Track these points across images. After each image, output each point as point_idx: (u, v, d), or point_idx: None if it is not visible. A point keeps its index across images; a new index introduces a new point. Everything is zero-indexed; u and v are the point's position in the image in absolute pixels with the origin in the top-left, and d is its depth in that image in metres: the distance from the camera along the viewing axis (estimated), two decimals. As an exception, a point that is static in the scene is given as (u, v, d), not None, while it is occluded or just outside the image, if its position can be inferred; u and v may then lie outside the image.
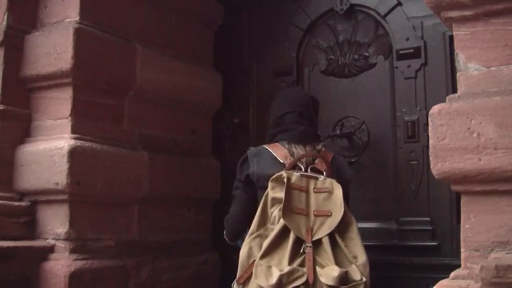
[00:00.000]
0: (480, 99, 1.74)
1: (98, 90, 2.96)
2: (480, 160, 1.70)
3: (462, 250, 1.77)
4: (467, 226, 1.76)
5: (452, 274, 1.76)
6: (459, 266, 1.79)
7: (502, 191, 1.70)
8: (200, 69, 3.52)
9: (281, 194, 2.15)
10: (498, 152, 1.67)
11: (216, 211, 3.47)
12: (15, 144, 2.90)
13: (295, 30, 3.44)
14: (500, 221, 1.70)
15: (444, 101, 1.83)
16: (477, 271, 1.54)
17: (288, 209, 2.12)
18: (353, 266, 2.09)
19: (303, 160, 2.32)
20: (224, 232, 2.58)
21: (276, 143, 2.42)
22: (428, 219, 2.88)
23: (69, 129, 2.82)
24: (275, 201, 2.18)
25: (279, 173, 2.22)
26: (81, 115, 2.87)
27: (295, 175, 2.22)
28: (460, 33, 1.86)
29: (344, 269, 2.04)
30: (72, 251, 2.72)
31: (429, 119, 1.81)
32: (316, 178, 2.26)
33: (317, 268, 2.03)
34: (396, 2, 3.11)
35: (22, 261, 2.65)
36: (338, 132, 3.18)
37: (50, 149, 2.77)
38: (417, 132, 2.95)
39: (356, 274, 2.05)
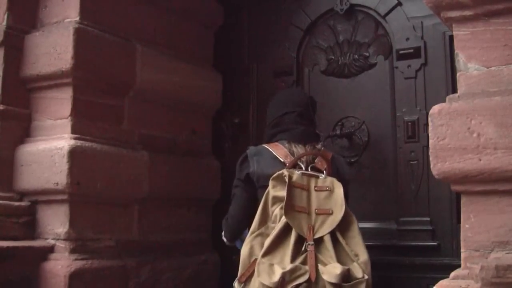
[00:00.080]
0: (480, 99, 1.74)
1: (98, 90, 2.96)
2: (480, 160, 1.70)
3: (462, 250, 1.77)
4: (467, 226, 1.76)
5: (452, 274, 1.76)
6: (459, 266, 1.79)
7: (502, 191, 1.70)
8: (200, 69, 3.52)
9: (282, 192, 2.16)
10: (498, 152, 1.67)
11: (216, 211, 3.47)
12: (15, 144, 2.90)
13: (295, 30, 3.44)
14: (500, 221, 1.70)
15: (444, 101, 1.83)
16: (477, 271, 1.54)
17: (289, 207, 2.13)
18: (355, 264, 2.09)
19: (303, 159, 2.33)
20: (223, 233, 2.58)
21: (276, 143, 2.43)
22: (428, 219, 2.88)
23: (69, 129, 2.82)
24: (276, 199, 2.19)
25: (280, 172, 2.22)
26: (81, 115, 2.87)
27: (296, 174, 2.23)
28: (460, 33, 1.86)
29: (347, 267, 2.05)
30: (72, 251, 2.72)
31: (429, 119, 1.81)
32: (317, 177, 2.27)
33: (319, 266, 2.04)
34: (396, 2, 3.11)
35: (22, 261, 2.65)
36: (338, 132, 3.18)
37: (50, 149, 2.76)
38: (417, 132, 2.95)
39: (358, 271, 2.06)
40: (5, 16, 2.93)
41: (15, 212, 2.78)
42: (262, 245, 2.12)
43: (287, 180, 2.17)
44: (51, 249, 2.74)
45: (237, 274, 2.16)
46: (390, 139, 3.05)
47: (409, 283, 2.85)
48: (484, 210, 1.73)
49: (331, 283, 1.99)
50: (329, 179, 2.27)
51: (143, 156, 3.09)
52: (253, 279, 2.07)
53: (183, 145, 3.41)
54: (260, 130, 3.37)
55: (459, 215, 1.81)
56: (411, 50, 3.00)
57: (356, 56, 3.22)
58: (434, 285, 1.74)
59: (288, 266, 2.01)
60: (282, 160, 2.33)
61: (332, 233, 2.14)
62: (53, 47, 2.85)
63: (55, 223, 2.77)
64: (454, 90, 2.63)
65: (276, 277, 1.98)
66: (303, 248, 2.09)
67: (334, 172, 2.36)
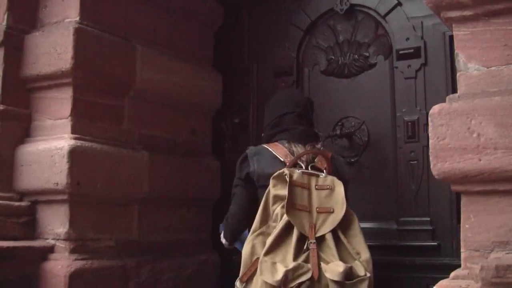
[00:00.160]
0: (480, 99, 1.74)
1: (98, 90, 2.96)
2: (480, 160, 1.70)
3: (462, 250, 1.77)
4: (467, 226, 1.76)
5: (452, 274, 1.76)
6: (459, 266, 1.79)
7: (502, 191, 1.70)
8: (200, 69, 3.52)
9: (282, 191, 2.16)
10: (498, 152, 1.67)
11: (216, 211, 3.47)
12: (15, 144, 2.90)
13: (295, 30, 3.44)
14: (500, 221, 1.70)
15: (444, 101, 1.83)
16: (477, 271, 1.54)
17: (291, 206, 2.13)
18: (357, 262, 2.10)
19: (303, 158, 2.34)
20: (221, 235, 2.57)
21: (276, 143, 2.43)
22: (428, 219, 2.88)
23: (69, 129, 2.82)
24: (277, 198, 2.19)
25: (281, 171, 2.23)
26: (81, 115, 2.87)
27: (296, 173, 2.23)
28: (460, 33, 1.86)
29: (349, 265, 2.05)
30: (72, 251, 2.73)
31: (429, 119, 1.81)
32: (317, 176, 2.27)
33: (322, 264, 2.04)
34: (396, 2, 3.11)
35: (22, 261, 2.65)
36: (338, 132, 3.18)
37: (50, 149, 2.77)
38: (417, 132, 2.95)
39: (360, 270, 2.07)
40: (5, 16, 2.93)
41: (15, 212, 2.79)
42: (263, 244, 2.12)
43: (288, 179, 2.17)
44: (51, 249, 2.74)
45: (237, 273, 2.16)
46: (390, 139, 3.05)
47: (409, 283, 2.85)
48: (484, 210, 1.73)
49: (334, 281, 1.99)
50: (330, 177, 2.27)
51: (143, 156, 3.09)
52: (255, 278, 2.07)
53: (183, 145, 3.41)
54: (260, 130, 3.36)
55: (459, 215, 1.81)
56: (411, 50, 3.00)
57: (356, 56, 3.22)
58: (434, 285, 1.74)
59: (291, 264, 2.01)
60: (282, 160, 2.33)
61: (334, 232, 2.15)
62: (53, 47, 2.85)
63: (55, 223, 2.77)
64: (454, 90, 2.63)
65: (279, 275, 1.98)
66: (305, 247, 2.09)
67: (334, 172, 2.36)
